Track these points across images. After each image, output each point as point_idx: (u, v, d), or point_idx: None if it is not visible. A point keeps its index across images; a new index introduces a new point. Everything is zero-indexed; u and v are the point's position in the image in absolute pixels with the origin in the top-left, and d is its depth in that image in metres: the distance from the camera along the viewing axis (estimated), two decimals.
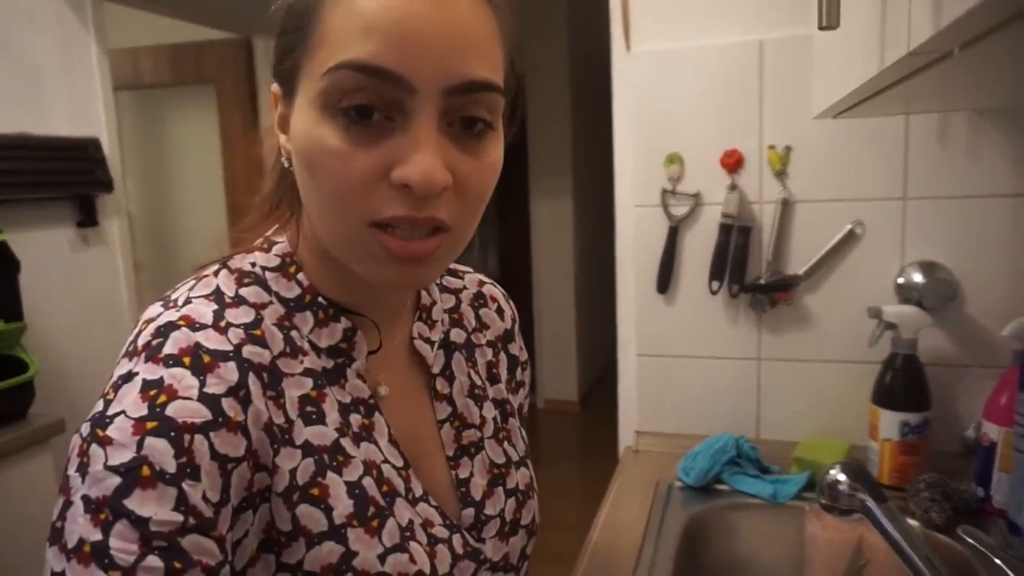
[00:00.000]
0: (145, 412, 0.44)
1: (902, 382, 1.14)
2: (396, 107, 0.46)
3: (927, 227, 1.22)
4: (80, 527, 0.42)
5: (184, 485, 0.43)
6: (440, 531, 0.57)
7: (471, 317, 0.71)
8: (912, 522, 1.00)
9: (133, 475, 0.42)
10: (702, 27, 1.31)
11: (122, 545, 0.41)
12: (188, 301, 0.51)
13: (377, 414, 0.56)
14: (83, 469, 0.43)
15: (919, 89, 0.72)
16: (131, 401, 0.44)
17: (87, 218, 2.04)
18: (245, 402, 0.47)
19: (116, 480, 0.42)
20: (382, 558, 0.50)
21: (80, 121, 2.03)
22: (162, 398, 0.44)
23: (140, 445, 0.43)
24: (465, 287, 0.72)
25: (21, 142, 1.81)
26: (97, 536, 0.41)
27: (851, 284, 1.27)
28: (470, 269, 0.76)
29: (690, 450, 1.24)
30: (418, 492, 0.57)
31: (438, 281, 0.70)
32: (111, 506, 0.42)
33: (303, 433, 0.50)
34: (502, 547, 0.62)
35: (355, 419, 0.54)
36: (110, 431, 0.43)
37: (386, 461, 0.55)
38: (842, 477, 0.77)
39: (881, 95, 0.69)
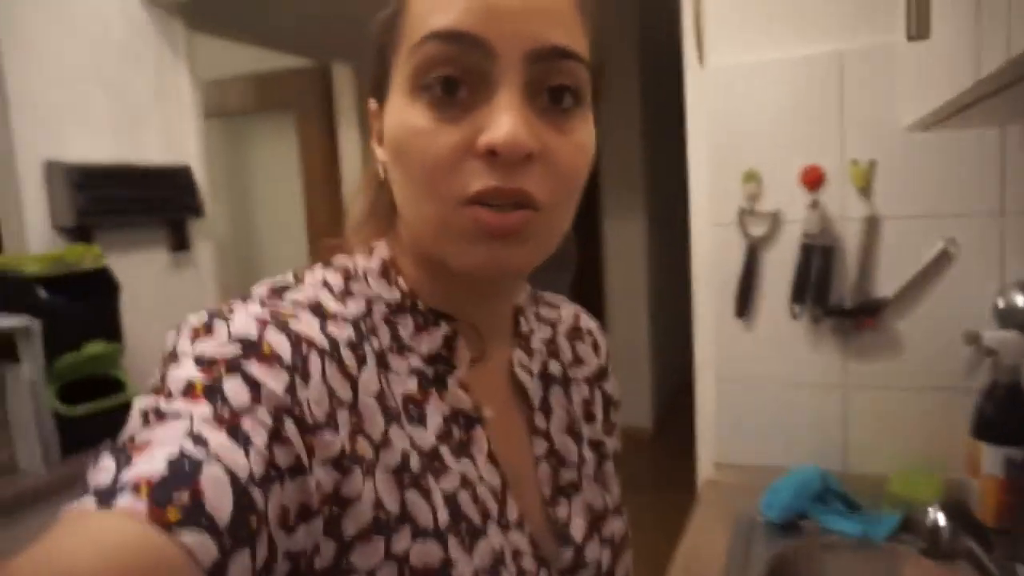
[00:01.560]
0: (268, 316, 0.44)
1: (1005, 413, 1.05)
2: (481, 78, 0.46)
3: None
4: (188, 373, 0.40)
5: (297, 378, 0.42)
6: (529, 563, 0.53)
7: (567, 351, 0.67)
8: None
9: (254, 347, 0.42)
10: (778, 39, 1.27)
11: (235, 392, 0.40)
12: (298, 279, 0.51)
13: (478, 428, 0.54)
14: (197, 337, 0.42)
15: (1018, 99, 0.66)
16: (253, 309, 0.45)
17: (179, 242, 2.14)
18: (361, 361, 0.46)
19: (236, 347, 0.41)
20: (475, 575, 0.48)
21: (173, 149, 2.14)
22: (284, 316, 0.44)
23: (262, 333, 0.42)
24: (561, 319, 0.69)
25: (120, 171, 1.92)
26: (209, 381, 0.40)
27: (945, 307, 1.19)
28: (566, 299, 0.72)
29: (772, 483, 1.18)
30: (513, 516, 0.54)
31: (535, 310, 0.66)
32: (228, 363, 0.41)
33: (407, 428, 0.49)
34: None
35: (455, 431, 0.52)
36: (233, 319, 0.43)
37: (482, 480, 0.52)
38: (942, 519, 0.71)
39: (976, 106, 0.64)
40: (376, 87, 0.53)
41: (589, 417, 0.65)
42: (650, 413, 4.52)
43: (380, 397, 0.47)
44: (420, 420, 0.50)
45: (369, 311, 0.51)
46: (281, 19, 2.63)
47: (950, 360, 1.18)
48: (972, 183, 1.16)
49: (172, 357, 0.43)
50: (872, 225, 1.22)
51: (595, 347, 0.70)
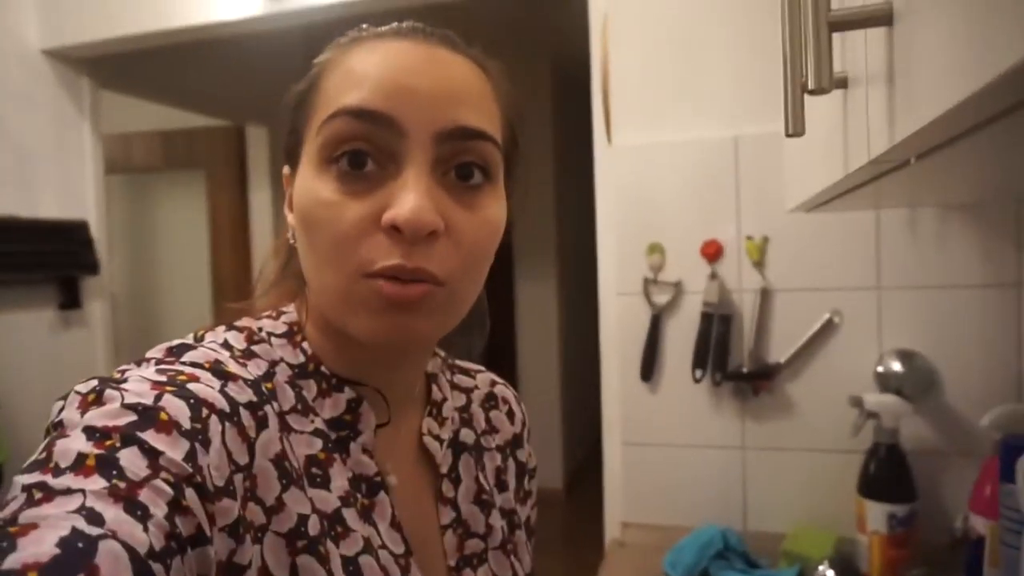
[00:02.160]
0: (164, 379, 0.42)
1: (886, 472, 1.13)
2: (389, 155, 0.47)
3: (902, 316, 1.24)
4: (78, 445, 0.37)
5: (197, 445, 0.40)
6: None
7: (481, 418, 0.67)
8: None
9: (150, 415, 0.39)
10: (680, 122, 1.37)
11: (132, 462, 0.37)
12: (199, 339, 0.50)
13: (382, 494, 0.53)
14: (86, 408, 0.40)
15: (886, 189, 0.75)
16: (148, 372, 0.43)
17: (70, 300, 2.03)
18: (261, 423, 0.45)
19: (131, 416, 0.39)
20: None
21: (70, 203, 2.05)
22: (183, 377, 0.43)
23: (158, 398, 0.41)
24: (476, 387, 0.69)
25: (7, 224, 1.82)
26: (102, 452, 0.37)
27: (832, 372, 1.28)
28: (482, 368, 0.72)
29: (676, 543, 1.21)
30: None
31: (449, 378, 0.66)
32: (123, 433, 0.38)
33: (308, 492, 0.47)
34: None
35: (358, 495, 0.51)
36: (125, 385, 0.41)
37: (384, 547, 0.51)
38: (831, 574, 0.76)
39: (850, 194, 0.72)
40: (289, 155, 0.54)
41: (501, 486, 0.65)
42: (561, 474, 4.53)
43: (279, 460, 0.46)
44: (324, 483, 0.49)
45: (272, 373, 0.51)
46: (194, 80, 2.61)
47: (838, 421, 1.26)
48: (853, 260, 1.27)
49: (59, 428, 0.40)
50: (766, 296, 1.31)
51: (510, 415, 0.70)
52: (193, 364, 0.46)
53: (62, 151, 2.03)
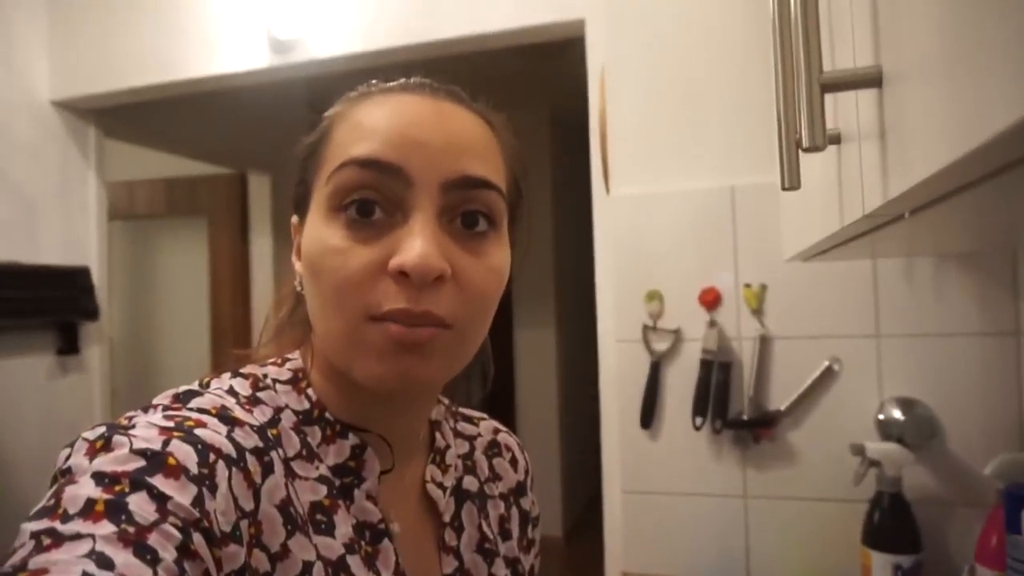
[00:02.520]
0: (171, 424, 0.43)
1: (890, 522, 1.12)
2: (396, 203, 0.48)
3: (902, 363, 1.24)
4: (87, 491, 0.38)
5: (204, 490, 0.40)
6: None
7: (484, 466, 0.67)
8: None
9: (159, 460, 0.40)
10: (677, 173, 1.39)
11: (141, 507, 0.37)
12: (205, 386, 0.51)
13: (385, 541, 0.53)
14: (94, 455, 0.40)
15: (882, 240, 0.76)
16: (155, 418, 0.44)
17: (68, 346, 2.03)
18: (267, 469, 0.46)
19: (140, 461, 0.39)
20: None
21: (72, 250, 2.06)
22: (190, 422, 0.44)
23: (166, 444, 0.41)
24: (480, 434, 0.69)
25: (9, 270, 1.83)
26: (112, 497, 0.37)
27: (832, 420, 1.28)
28: (485, 415, 0.73)
29: None
30: None
31: (452, 425, 0.67)
32: (132, 478, 0.38)
33: (313, 539, 0.48)
34: None
35: (362, 542, 0.51)
36: (133, 432, 0.41)
37: None
38: None
39: (846, 244, 0.73)
40: (297, 205, 0.55)
41: (505, 534, 0.65)
42: (561, 522, 4.46)
43: (284, 506, 0.46)
44: (328, 529, 0.49)
45: (277, 419, 0.51)
46: (198, 128, 2.65)
47: (840, 470, 1.25)
48: (851, 308, 1.27)
49: (67, 475, 0.40)
50: (765, 343, 1.32)
51: (513, 463, 0.70)
52: (200, 410, 0.46)
53: (66, 199, 2.05)
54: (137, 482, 0.38)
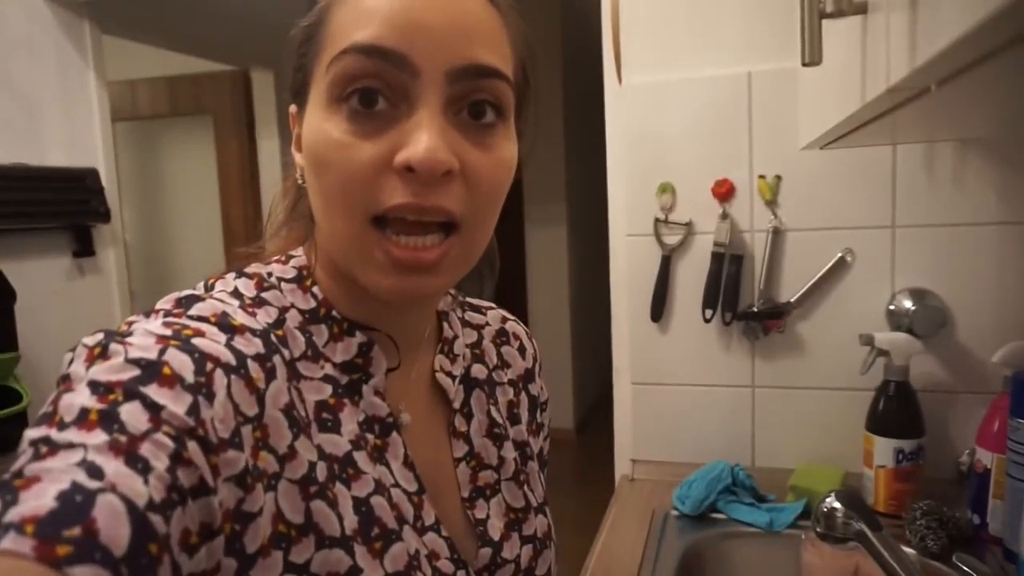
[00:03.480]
0: (169, 333, 0.42)
1: (895, 409, 1.14)
2: (401, 94, 0.46)
3: (916, 255, 1.23)
4: (81, 400, 0.38)
5: (200, 398, 0.40)
6: (446, 565, 0.54)
7: (493, 354, 0.68)
8: (908, 550, 1.00)
9: (154, 369, 0.39)
10: (691, 60, 1.34)
11: (133, 417, 0.37)
12: (209, 288, 0.50)
13: (394, 434, 0.54)
14: (92, 362, 0.40)
15: (903, 122, 0.73)
16: (154, 326, 0.43)
17: (83, 248, 2.04)
18: (270, 374, 0.45)
19: (135, 371, 0.39)
20: None
21: (78, 152, 2.04)
22: (188, 331, 0.43)
23: (162, 353, 0.40)
24: (488, 323, 0.70)
25: (17, 172, 1.82)
26: (105, 407, 0.37)
27: (843, 311, 1.28)
28: (493, 305, 0.73)
29: (685, 478, 1.24)
30: (429, 520, 0.54)
31: (460, 315, 0.67)
32: (125, 387, 0.38)
33: (317, 437, 0.48)
34: None
35: (370, 437, 0.52)
36: (130, 339, 0.41)
37: (396, 485, 0.52)
38: (837, 505, 0.77)
39: (866, 127, 0.70)
40: (296, 93, 0.53)
41: (514, 419, 0.67)
42: (572, 415, 4.61)
43: (288, 409, 0.46)
44: (335, 427, 0.50)
45: (282, 320, 0.50)
46: (197, 23, 2.56)
47: (848, 360, 1.26)
48: (867, 198, 1.25)
49: (65, 382, 0.40)
50: (777, 235, 1.30)
51: (521, 350, 0.71)
52: (199, 318, 0.45)
53: (67, 99, 2.01)
54: (131, 392, 0.38)
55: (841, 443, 1.27)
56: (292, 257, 0.55)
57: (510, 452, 0.64)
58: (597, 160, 1.58)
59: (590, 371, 4.85)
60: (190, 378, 0.40)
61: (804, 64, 0.48)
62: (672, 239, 1.36)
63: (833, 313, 1.29)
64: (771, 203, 1.30)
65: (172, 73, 3.25)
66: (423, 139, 0.44)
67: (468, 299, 0.70)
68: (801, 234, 1.30)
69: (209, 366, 0.42)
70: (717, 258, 1.32)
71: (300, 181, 0.54)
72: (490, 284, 0.68)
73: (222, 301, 0.48)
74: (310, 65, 0.50)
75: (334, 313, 0.53)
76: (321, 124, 0.47)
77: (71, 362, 0.41)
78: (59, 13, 1.97)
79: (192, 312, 0.46)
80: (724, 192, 1.32)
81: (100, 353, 0.40)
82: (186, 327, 0.43)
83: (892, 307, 1.24)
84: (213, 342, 0.43)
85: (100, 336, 0.42)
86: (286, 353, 0.48)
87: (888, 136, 1.03)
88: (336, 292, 0.54)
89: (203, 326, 0.44)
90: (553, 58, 4.20)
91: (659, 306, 1.37)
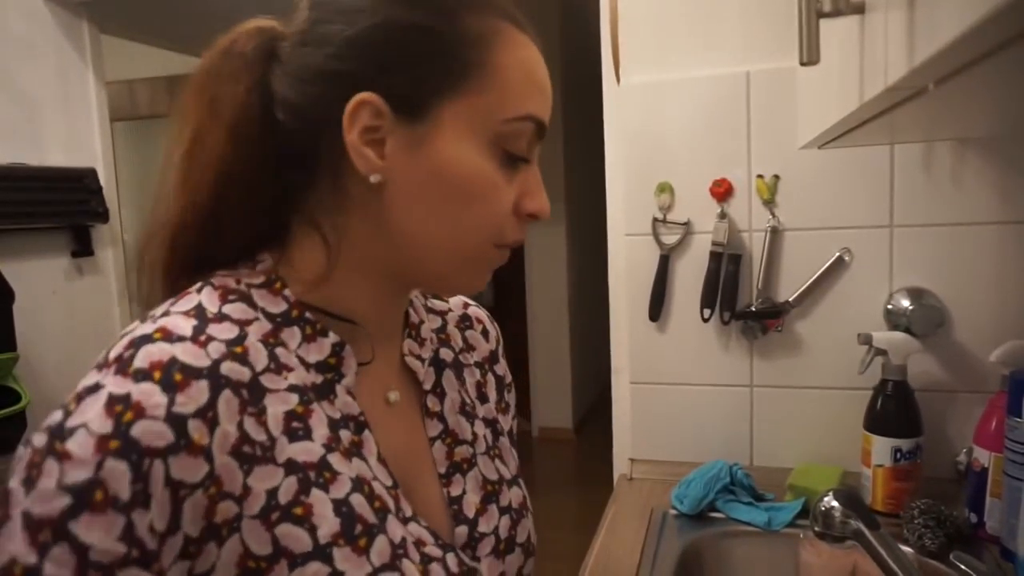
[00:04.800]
0: (110, 430, 0.42)
1: (893, 408, 1.14)
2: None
3: (914, 254, 1.24)
4: (15, 545, 0.41)
5: (134, 515, 0.42)
6: (433, 550, 0.56)
7: (458, 338, 0.72)
8: (906, 549, 1.01)
9: (85, 498, 0.41)
10: (690, 59, 1.34)
11: (56, 571, 0.40)
12: (166, 314, 0.50)
13: (367, 432, 0.56)
14: (30, 483, 0.42)
15: (901, 121, 0.74)
16: (95, 415, 0.43)
17: (82, 248, 2.04)
18: (213, 424, 0.46)
19: (66, 501, 0.41)
20: None
21: (76, 152, 2.04)
22: (128, 416, 0.43)
23: (99, 466, 0.42)
24: (451, 309, 0.74)
25: (16, 172, 1.82)
26: (32, 559, 0.40)
27: (841, 311, 1.28)
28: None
29: (684, 478, 1.24)
30: (407, 513, 0.56)
31: (423, 302, 0.70)
32: (55, 527, 0.41)
33: (287, 450, 0.49)
34: (498, 566, 0.61)
35: (345, 435, 0.53)
36: (70, 445, 0.42)
37: (376, 479, 0.54)
38: (835, 504, 0.78)
39: (864, 126, 0.71)
40: (404, 102, 0.51)
41: (483, 398, 0.71)
42: (571, 415, 4.61)
43: (238, 447, 0.47)
44: (306, 434, 0.50)
45: (243, 336, 0.50)
46: (196, 23, 2.55)
47: (846, 359, 1.26)
48: (865, 198, 1.25)
49: (6, 500, 0.43)
50: (776, 235, 1.31)
51: (484, 333, 0.75)
52: (144, 375, 0.45)
53: (67, 98, 2.01)
54: (60, 531, 0.41)
55: (839, 442, 1.28)
56: (259, 263, 0.56)
57: (481, 429, 0.67)
58: (596, 160, 1.58)
59: (589, 370, 4.85)
60: (125, 495, 0.42)
61: (802, 64, 0.48)
62: (671, 239, 1.36)
63: (831, 312, 1.29)
64: (769, 203, 1.30)
65: (171, 73, 3.25)
66: (544, 196, 0.57)
67: None
68: (799, 233, 1.30)
69: (146, 464, 0.43)
70: (715, 257, 1.33)
71: (373, 180, 0.52)
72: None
73: (170, 338, 0.47)
74: (451, 89, 0.51)
75: (307, 315, 0.54)
76: (478, 160, 0.53)
77: (15, 472, 0.43)
78: (58, 13, 1.97)
79: (137, 365, 0.45)
80: (722, 192, 1.32)
81: (38, 465, 0.42)
82: (129, 406, 0.43)
83: (890, 306, 1.25)
84: (152, 421, 0.43)
85: (43, 440, 0.43)
86: (245, 372, 0.49)
87: (886, 136, 1.03)
88: (326, 287, 0.55)
89: (143, 394, 0.44)
90: (552, 58, 4.20)
91: (657, 306, 1.37)
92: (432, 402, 0.64)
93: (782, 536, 1.11)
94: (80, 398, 0.44)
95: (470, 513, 0.61)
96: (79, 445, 0.42)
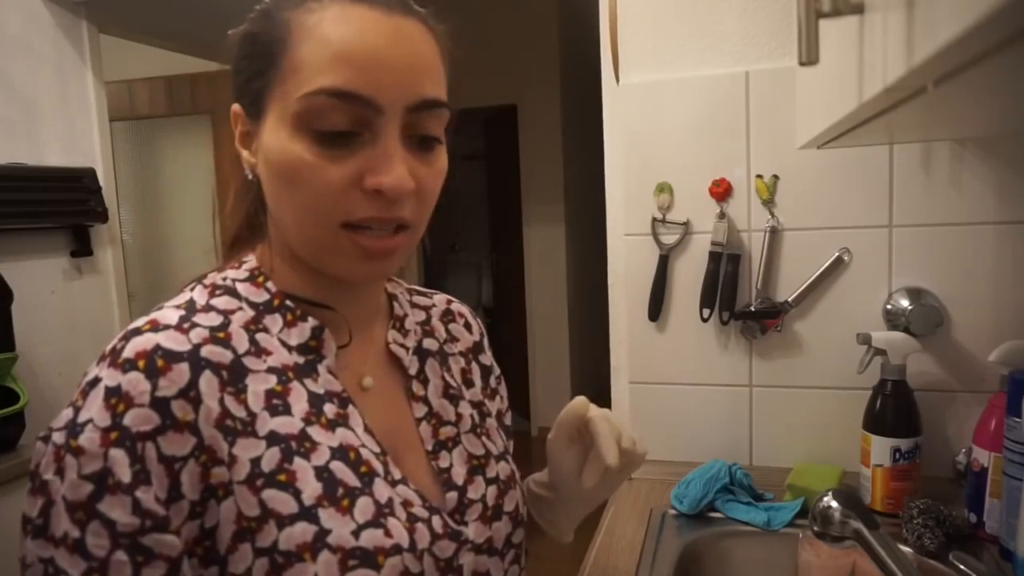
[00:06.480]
0: (109, 422, 0.49)
1: (892, 408, 1.14)
2: (364, 124, 0.54)
3: (913, 254, 1.24)
4: (64, 523, 0.49)
5: (138, 493, 0.49)
6: (420, 511, 0.60)
7: (442, 330, 0.76)
8: (905, 548, 1.00)
9: (103, 484, 0.49)
10: (689, 59, 1.34)
11: (96, 541, 0.48)
12: (160, 308, 0.57)
13: (351, 407, 0.61)
14: (61, 474, 0.50)
15: (900, 121, 0.74)
16: (97, 410, 0.50)
17: (81, 248, 2.04)
18: (196, 402, 0.52)
19: (89, 487, 0.49)
20: (356, 533, 0.54)
21: (75, 152, 2.04)
22: (121, 407, 0.50)
23: (106, 456, 0.49)
24: (434, 304, 0.79)
25: (15, 172, 1.82)
26: (76, 533, 0.49)
27: (840, 310, 1.28)
28: (438, 291, 0.82)
29: (683, 477, 1.24)
30: (396, 476, 0.60)
31: (408, 298, 0.75)
32: (86, 509, 0.49)
33: (268, 424, 0.55)
34: (485, 531, 0.65)
35: (329, 408, 0.59)
36: (82, 441, 0.49)
37: (363, 446, 0.59)
38: (834, 504, 0.78)
39: (863, 127, 0.71)
40: (247, 100, 0.59)
41: (468, 383, 0.75)
42: None
43: (221, 421, 0.53)
44: (285, 410, 0.56)
45: (227, 323, 0.57)
46: (195, 23, 2.55)
47: (845, 359, 1.26)
48: (864, 198, 1.25)
49: (41, 485, 0.51)
50: (775, 235, 1.31)
51: (467, 326, 0.80)
52: (131, 365, 0.51)
53: (65, 98, 2.01)
54: (92, 512, 0.49)
55: (838, 442, 1.28)
56: (244, 263, 0.63)
57: (467, 410, 0.71)
58: (595, 160, 1.58)
59: (588, 370, 4.85)
60: (127, 476, 0.49)
61: (801, 64, 0.48)
62: (670, 239, 1.36)
63: (830, 312, 1.29)
64: (768, 202, 1.30)
65: (170, 73, 3.24)
66: (392, 168, 0.54)
67: (414, 286, 0.79)
68: (798, 233, 1.30)
69: (140, 447, 0.49)
70: (715, 257, 1.33)
71: (250, 176, 0.61)
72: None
73: (156, 328, 0.54)
74: (268, 82, 0.56)
75: (288, 303, 0.61)
76: (288, 144, 0.54)
77: (39, 463, 0.51)
78: (57, 12, 1.97)
79: (125, 355, 0.51)
80: (722, 192, 1.32)
81: (61, 457, 0.50)
82: (121, 398, 0.50)
83: (889, 306, 1.25)
84: (139, 408, 0.50)
85: (63, 437, 0.50)
86: (227, 355, 0.55)
87: (885, 135, 1.03)
88: (293, 277, 0.62)
89: (130, 384, 0.50)
90: (551, 58, 4.20)
91: (657, 305, 1.37)
92: (417, 387, 0.68)
93: (781, 536, 1.10)
94: (85, 393, 0.51)
95: (459, 481, 0.65)
96: (89, 440, 0.49)
